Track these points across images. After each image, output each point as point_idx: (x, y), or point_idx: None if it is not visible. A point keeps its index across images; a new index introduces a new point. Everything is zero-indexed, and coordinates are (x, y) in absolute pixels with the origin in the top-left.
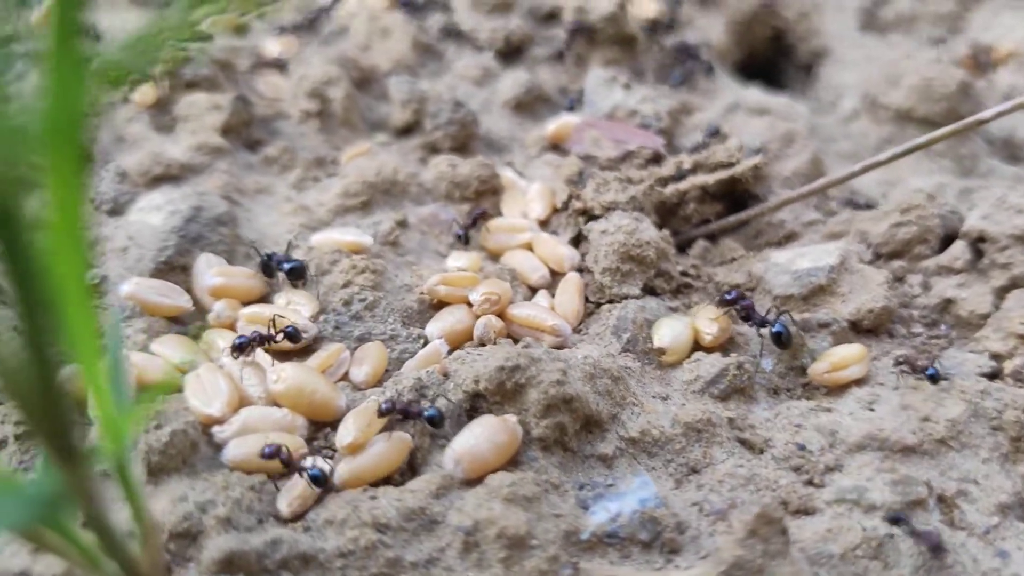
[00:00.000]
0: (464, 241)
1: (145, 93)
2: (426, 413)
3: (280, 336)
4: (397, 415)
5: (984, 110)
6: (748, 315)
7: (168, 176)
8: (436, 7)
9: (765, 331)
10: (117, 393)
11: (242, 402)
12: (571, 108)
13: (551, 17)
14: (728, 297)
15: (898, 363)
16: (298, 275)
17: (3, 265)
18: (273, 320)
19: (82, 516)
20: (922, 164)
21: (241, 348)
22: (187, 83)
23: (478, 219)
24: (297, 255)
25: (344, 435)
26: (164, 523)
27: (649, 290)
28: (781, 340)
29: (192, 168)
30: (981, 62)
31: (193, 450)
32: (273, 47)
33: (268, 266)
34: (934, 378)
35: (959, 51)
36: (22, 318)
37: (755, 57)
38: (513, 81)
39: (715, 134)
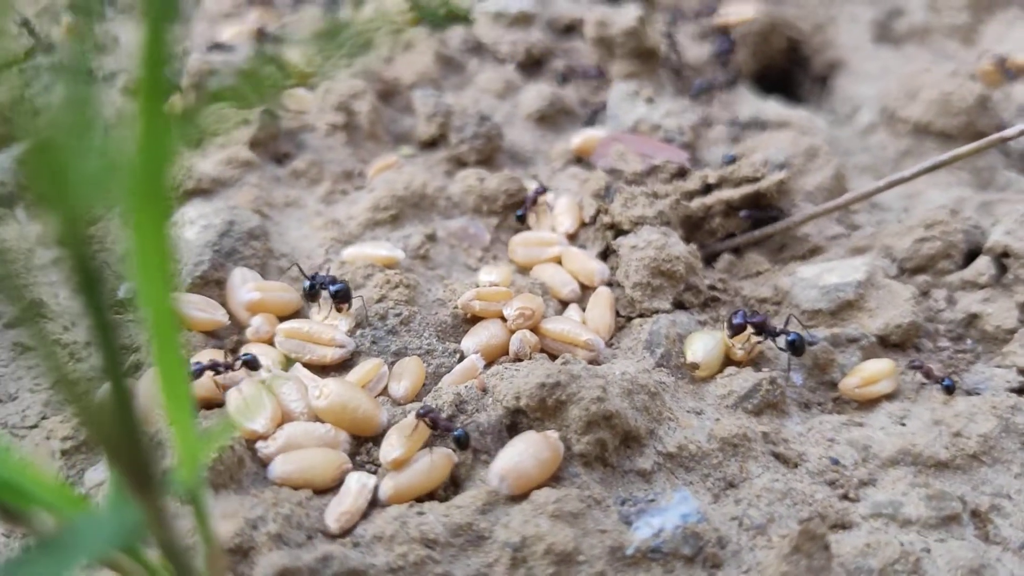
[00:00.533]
0: (522, 221)
1: (171, 106)
2: (454, 433)
3: (238, 364)
4: (428, 423)
5: (1002, 123)
6: (761, 329)
7: (199, 190)
8: (457, 21)
9: (780, 340)
10: (192, 421)
11: (285, 418)
12: (590, 122)
13: (570, 29)
14: (737, 322)
15: (912, 367)
16: (343, 298)
17: (74, 274)
18: (232, 349)
19: (156, 541)
20: (940, 177)
21: (197, 375)
22: (213, 96)
23: (537, 198)
24: (330, 269)
25: (388, 451)
26: (220, 540)
27: (678, 304)
28: (795, 347)
29: (222, 182)
30: (1006, 72)
31: (240, 466)
32: (297, 59)
33: (313, 288)
34: (949, 389)
35: (973, 63)
36: (102, 350)
37: (771, 69)
38: (536, 94)
39: (745, 127)
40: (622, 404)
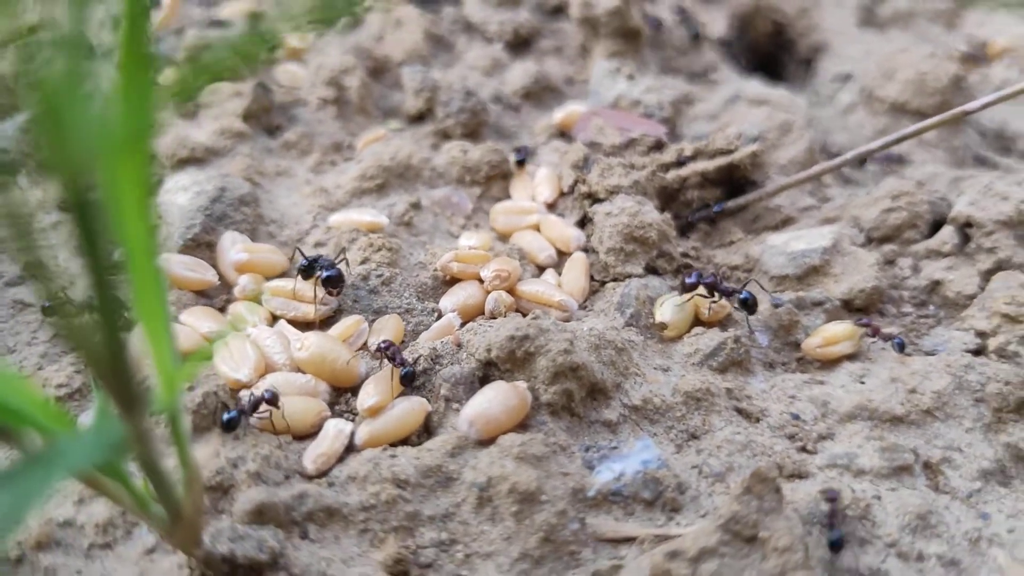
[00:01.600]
0: (520, 165)
1: (168, 80)
2: (404, 370)
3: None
4: (388, 356)
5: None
6: (714, 289)
7: (193, 159)
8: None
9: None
10: (171, 350)
11: (268, 368)
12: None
13: (558, 10)
14: (689, 281)
15: (860, 324)
16: (334, 284)
17: (77, 235)
18: (221, 308)
19: (137, 462)
20: (916, 155)
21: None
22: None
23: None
24: (316, 234)
25: (365, 399)
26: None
27: (651, 270)
28: (748, 305)
29: (216, 151)
30: (977, 57)
31: (224, 411)
32: (292, 37)
33: (311, 269)
34: (901, 346)
35: (956, 46)
36: (91, 280)
37: (757, 50)
38: (522, 71)
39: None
40: (589, 357)
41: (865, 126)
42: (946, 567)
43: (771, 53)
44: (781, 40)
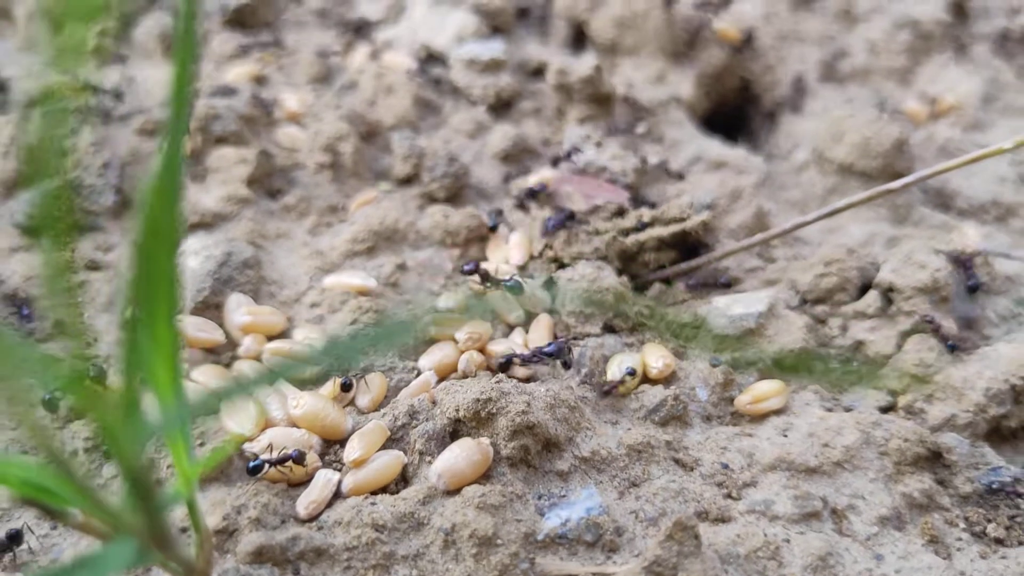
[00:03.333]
0: (492, 230)
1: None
2: (342, 380)
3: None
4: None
5: (917, 165)
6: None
7: (203, 224)
8: (436, 64)
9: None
10: (188, 447)
11: (267, 424)
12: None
13: (538, 72)
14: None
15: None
16: (347, 388)
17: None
18: (227, 364)
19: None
20: (861, 213)
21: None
22: (217, 138)
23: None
24: (311, 296)
25: (351, 452)
26: (208, 524)
27: (609, 328)
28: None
29: (222, 216)
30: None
31: (229, 463)
32: (292, 101)
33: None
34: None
35: (908, 103)
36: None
37: (725, 106)
38: (502, 135)
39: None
40: (544, 416)
41: (816, 185)
42: None
43: (739, 107)
44: (748, 95)
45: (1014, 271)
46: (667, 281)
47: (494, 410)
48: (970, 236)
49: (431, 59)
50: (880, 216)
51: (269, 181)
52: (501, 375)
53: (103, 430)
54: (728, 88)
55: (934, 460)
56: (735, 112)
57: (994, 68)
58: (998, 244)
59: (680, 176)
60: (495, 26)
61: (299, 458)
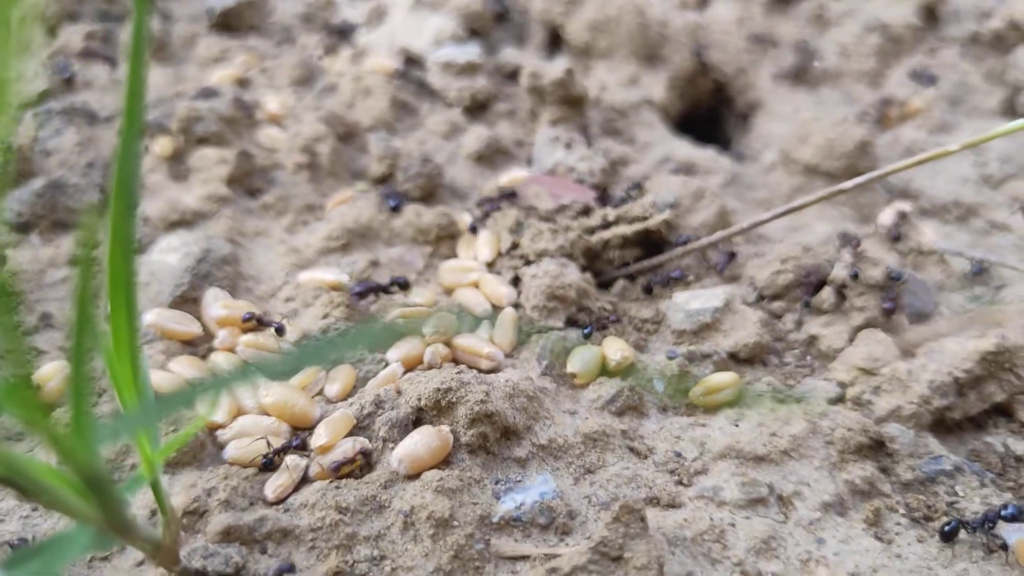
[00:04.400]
0: (473, 231)
1: (164, 146)
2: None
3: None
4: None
5: (880, 166)
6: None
7: (183, 221)
8: (414, 67)
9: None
10: (153, 437)
11: (239, 412)
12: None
13: (513, 75)
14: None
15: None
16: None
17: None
18: (203, 356)
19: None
20: (827, 212)
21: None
22: (199, 138)
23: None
24: (286, 291)
25: (317, 438)
26: (179, 504)
27: (572, 322)
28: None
29: (202, 214)
30: (893, 116)
31: (201, 449)
32: (273, 104)
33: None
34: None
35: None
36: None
37: (699, 108)
38: (476, 136)
39: (637, 187)
40: (503, 405)
41: (783, 184)
42: None
43: (713, 108)
44: (721, 97)
45: (969, 269)
46: (631, 277)
47: (454, 399)
48: (926, 235)
49: (409, 62)
50: (844, 215)
51: (249, 180)
52: (462, 366)
53: (51, 441)
54: (702, 91)
55: (877, 449)
56: (709, 114)
57: (962, 71)
58: (958, 243)
59: (638, 186)
60: (473, 30)
61: (301, 445)
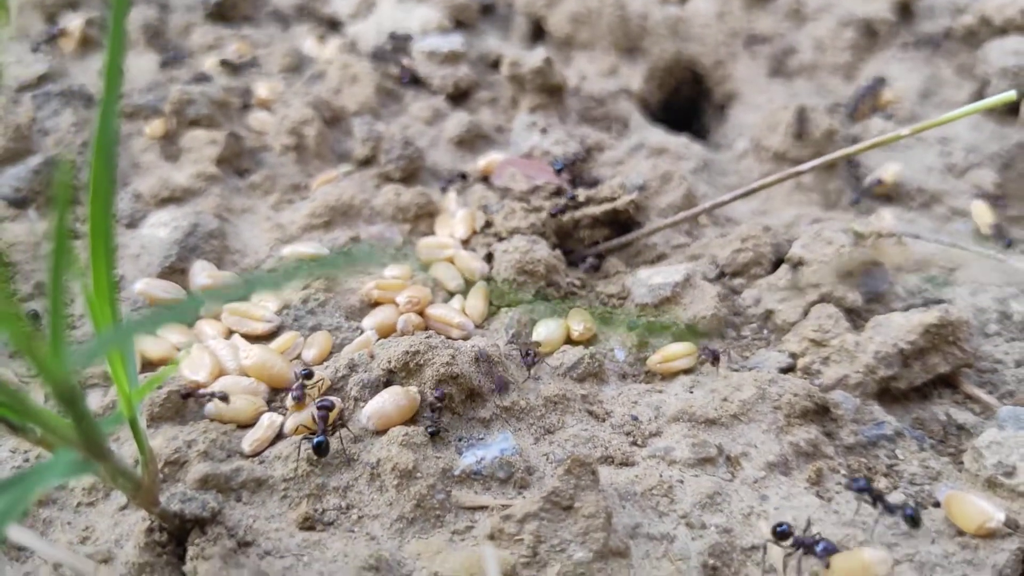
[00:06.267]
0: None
1: (156, 127)
2: (314, 440)
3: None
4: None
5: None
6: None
7: (173, 198)
8: (400, 54)
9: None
10: (131, 374)
11: (221, 372)
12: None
13: (496, 64)
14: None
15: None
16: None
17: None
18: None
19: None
20: (794, 197)
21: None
22: (191, 120)
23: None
24: (270, 263)
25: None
26: (160, 454)
27: (543, 296)
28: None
29: (192, 192)
30: (865, 108)
31: (183, 406)
32: (263, 89)
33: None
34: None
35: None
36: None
37: (679, 98)
38: (457, 121)
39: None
40: (468, 368)
41: (753, 171)
42: (720, 534)
43: (692, 99)
44: (700, 88)
45: (928, 252)
46: (600, 256)
47: (421, 361)
48: (886, 219)
49: (396, 51)
50: (811, 200)
51: (238, 161)
52: (432, 331)
53: (33, 359)
54: (681, 81)
55: (822, 414)
56: (689, 105)
57: (935, 64)
58: (920, 228)
59: (596, 182)
60: (459, 20)
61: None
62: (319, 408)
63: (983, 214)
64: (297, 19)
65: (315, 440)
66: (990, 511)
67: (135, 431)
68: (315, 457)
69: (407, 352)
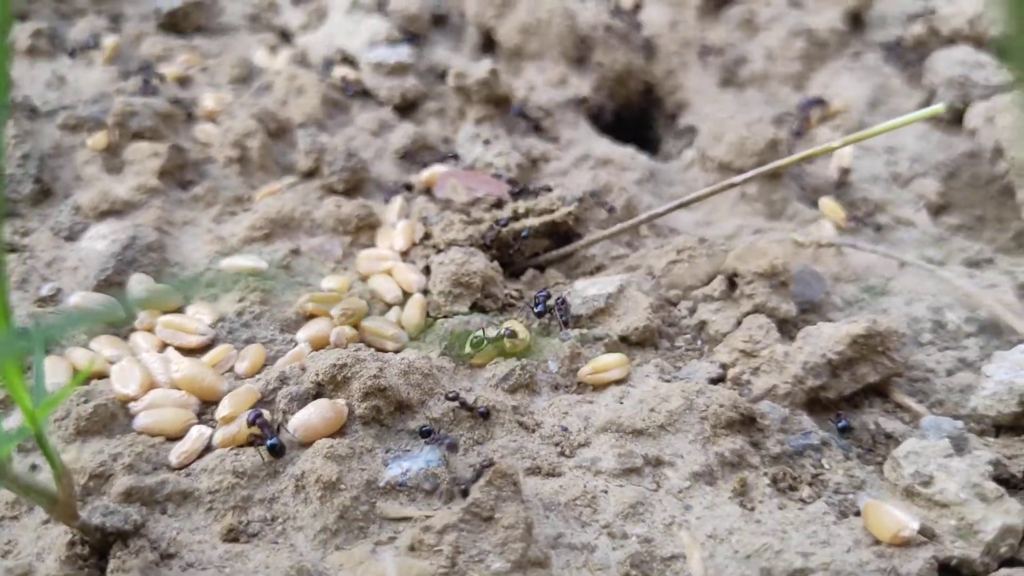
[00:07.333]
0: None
1: (98, 140)
2: (268, 443)
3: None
4: (255, 427)
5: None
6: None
7: (113, 211)
8: (347, 66)
9: None
10: (39, 390)
11: (152, 385)
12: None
13: (444, 76)
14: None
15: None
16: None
17: None
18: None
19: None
20: (739, 207)
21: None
22: (134, 133)
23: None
24: (208, 276)
25: (222, 409)
26: (86, 468)
27: (480, 308)
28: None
29: (133, 204)
30: (813, 119)
31: (112, 419)
32: (210, 101)
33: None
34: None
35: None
36: None
37: (630, 108)
38: (403, 133)
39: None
40: (397, 381)
41: (699, 180)
42: (641, 543)
43: (644, 109)
44: (651, 98)
45: (869, 262)
46: (540, 267)
47: (349, 374)
48: (826, 228)
49: (344, 62)
50: (755, 211)
51: (181, 173)
52: (361, 345)
53: None
54: (633, 91)
55: (749, 425)
56: (641, 115)
57: (884, 74)
58: (863, 237)
59: (548, 188)
60: (410, 31)
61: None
62: (256, 418)
63: (834, 210)
64: (249, 29)
65: (268, 442)
66: (904, 520)
67: (43, 446)
68: (240, 470)
69: (334, 365)
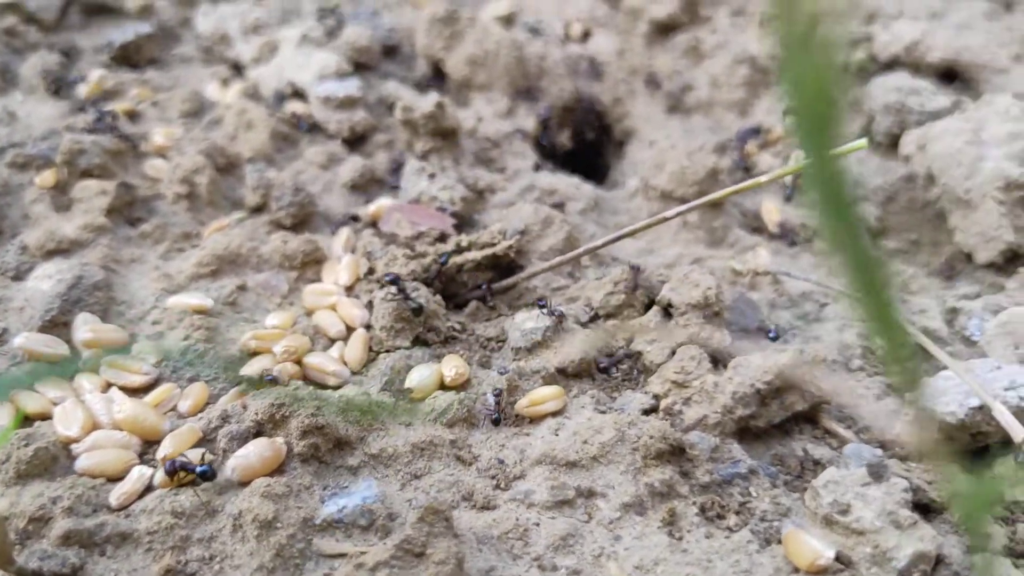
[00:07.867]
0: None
1: (46, 178)
2: (198, 469)
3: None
4: (180, 471)
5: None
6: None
7: (60, 250)
8: (297, 99)
9: None
10: None
11: (94, 426)
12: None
13: (391, 108)
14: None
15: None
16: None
17: None
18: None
19: None
20: (681, 235)
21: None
22: (82, 170)
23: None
24: (154, 314)
25: (163, 450)
26: (25, 512)
27: (422, 342)
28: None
29: (80, 243)
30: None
31: (54, 462)
32: (159, 136)
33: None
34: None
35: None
36: None
37: (581, 137)
38: (352, 166)
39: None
40: (335, 419)
41: (642, 210)
42: (571, 575)
43: (595, 138)
44: (600, 126)
45: (804, 289)
46: (483, 299)
47: (287, 413)
48: (762, 256)
49: (294, 95)
50: (698, 238)
51: (129, 210)
52: (300, 383)
53: None
54: (580, 120)
55: (679, 455)
56: (589, 144)
57: None
58: (802, 265)
59: (485, 226)
60: (360, 63)
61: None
62: (172, 467)
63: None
64: (203, 62)
65: (199, 469)
66: (820, 549)
67: None
68: (179, 510)
69: (272, 404)
